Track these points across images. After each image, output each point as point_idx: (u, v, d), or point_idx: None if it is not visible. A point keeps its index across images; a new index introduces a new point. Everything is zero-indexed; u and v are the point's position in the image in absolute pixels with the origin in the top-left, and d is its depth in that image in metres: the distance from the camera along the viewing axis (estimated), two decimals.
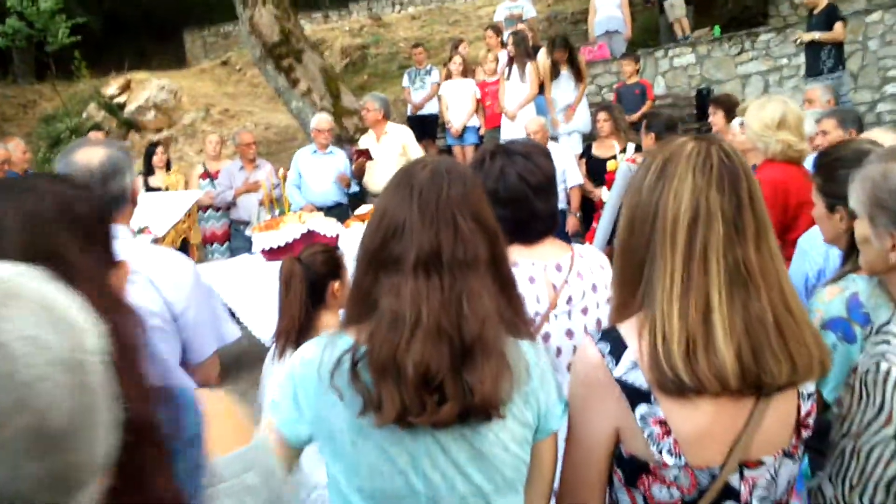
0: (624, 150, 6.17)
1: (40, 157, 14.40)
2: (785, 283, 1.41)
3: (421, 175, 1.55)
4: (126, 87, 15.83)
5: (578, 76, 7.95)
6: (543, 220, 2.18)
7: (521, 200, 2.13)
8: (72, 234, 1.17)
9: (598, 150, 6.95)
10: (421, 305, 1.39)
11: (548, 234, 2.21)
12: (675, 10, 10.84)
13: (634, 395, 1.42)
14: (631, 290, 1.48)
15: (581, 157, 7.12)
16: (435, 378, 1.36)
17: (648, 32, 13.16)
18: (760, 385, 1.37)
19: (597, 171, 6.81)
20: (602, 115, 6.88)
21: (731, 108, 6.07)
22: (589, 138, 8.43)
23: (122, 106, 15.52)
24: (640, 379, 1.42)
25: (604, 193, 5.53)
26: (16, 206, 1.17)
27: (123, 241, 1.89)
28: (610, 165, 5.75)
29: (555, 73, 7.85)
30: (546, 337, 2.11)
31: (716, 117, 6.08)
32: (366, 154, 6.95)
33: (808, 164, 3.19)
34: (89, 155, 2.31)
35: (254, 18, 8.34)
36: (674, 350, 1.34)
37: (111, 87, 15.70)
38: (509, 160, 2.15)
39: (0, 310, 0.67)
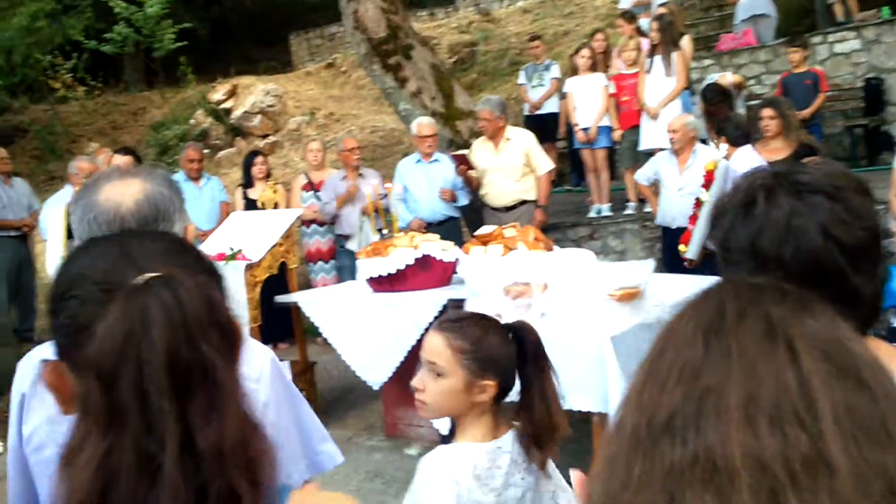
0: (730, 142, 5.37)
1: (150, 163, 14.28)
2: None
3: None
4: (232, 93, 15.59)
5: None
6: (862, 306, 1.21)
7: (826, 274, 1.17)
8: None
9: (761, 154, 5.81)
10: None
11: (868, 328, 1.24)
12: None
13: None
14: None
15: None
16: None
17: (794, 16, 11.75)
18: None
19: None
20: (768, 112, 5.72)
21: None
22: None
23: (228, 111, 15.28)
24: None
25: (702, 194, 4.98)
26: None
27: None
28: (708, 165, 5.05)
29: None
30: None
31: None
32: (465, 162, 6.08)
33: None
34: (120, 193, 1.51)
35: (358, 12, 7.58)
36: None
37: (217, 92, 15.49)
38: (801, 202, 1.20)
39: None
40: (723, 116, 6.91)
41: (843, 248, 1.17)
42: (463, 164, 6.12)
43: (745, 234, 1.21)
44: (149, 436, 0.76)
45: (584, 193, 8.40)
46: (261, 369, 1.59)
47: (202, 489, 0.77)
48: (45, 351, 1.53)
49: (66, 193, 6.19)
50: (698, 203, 5.07)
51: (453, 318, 1.99)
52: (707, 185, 4.97)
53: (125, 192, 1.50)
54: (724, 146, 5.20)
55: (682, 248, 5.05)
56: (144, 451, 0.76)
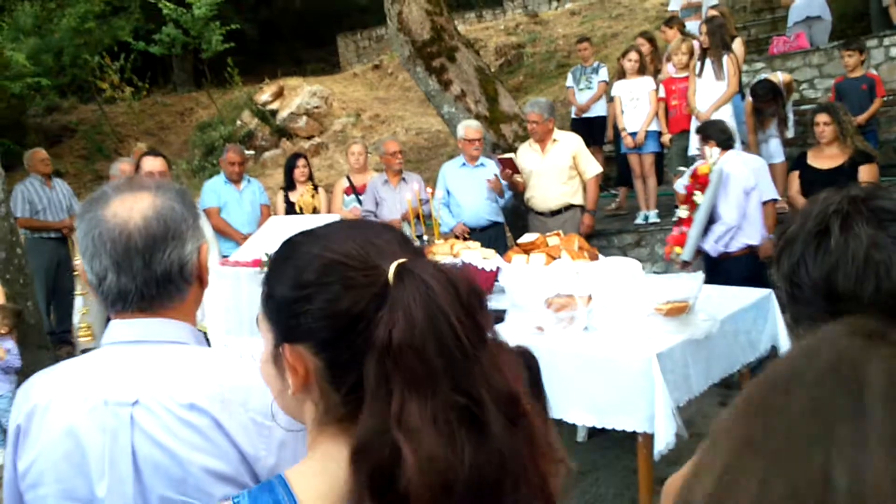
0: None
1: (196, 164, 14.42)
2: None
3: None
4: (279, 94, 15.69)
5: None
6: None
7: None
8: None
9: (815, 161, 5.60)
10: None
11: None
12: None
13: None
14: None
15: (794, 168, 5.78)
16: None
17: (849, 19, 11.39)
18: None
19: (816, 185, 5.45)
20: (822, 118, 5.53)
21: None
22: (792, 144, 7.07)
23: (274, 113, 15.37)
24: None
25: (696, 196, 5.00)
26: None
27: (181, 355, 1.42)
28: (702, 169, 5.00)
29: None
30: None
31: None
32: (510, 165, 5.97)
33: None
34: (128, 208, 1.42)
35: (402, 14, 7.50)
36: None
37: (264, 93, 15.60)
38: (883, 232, 1.06)
39: None
40: (771, 111, 6.70)
41: None
42: (509, 167, 6.01)
43: (816, 268, 1.08)
44: (458, 393, 0.87)
45: (611, 198, 8.24)
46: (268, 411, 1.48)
47: (514, 428, 0.90)
48: (40, 380, 1.45)
49: None
50: (693, 205, 5.03)
51: None
52: (702, 188, 4.96)
53: (133, 208, 1.41)
54: (716, 150, 5.09)
55: (677, 249, 5.02)
56: (462, 405, 0.86)
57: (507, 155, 6.25)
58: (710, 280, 4.17)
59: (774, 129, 6.79)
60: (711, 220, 5.03)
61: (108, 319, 1.49)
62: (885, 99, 7.37)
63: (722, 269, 4.94)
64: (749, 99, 6.95)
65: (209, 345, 2.09)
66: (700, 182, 5.05)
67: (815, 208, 1.14)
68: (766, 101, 6.67)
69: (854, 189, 1.14)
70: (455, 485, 0.84)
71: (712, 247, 5.04)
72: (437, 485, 0.84)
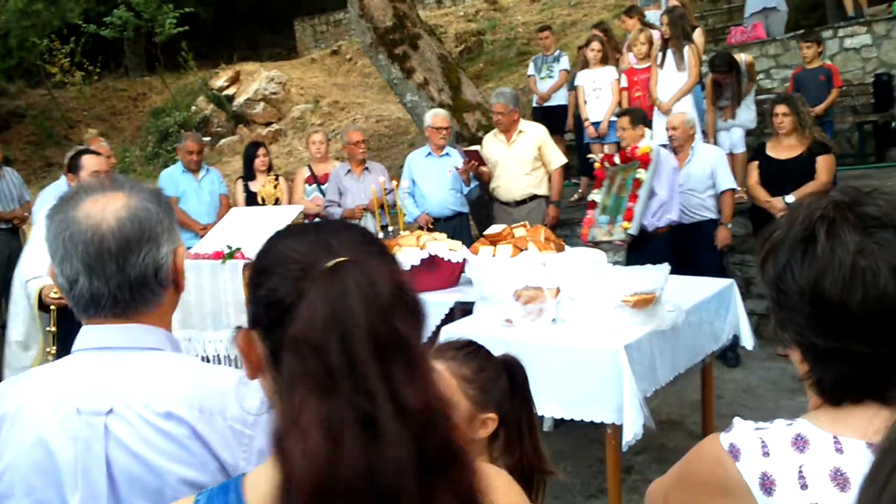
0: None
1: (149, 151, 14.14)
2: None
3: None
4: (235, 79, 15.46)
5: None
6: None
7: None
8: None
9: (774, 151, 5.69)
10: None
11: None
12: None
13: None
14: None
15: (753, 158, 5.86)
16: None
17: (804, 9, 11.58)
18: None
19: (774, 176, 5.57)
20: (781, 109, 5.61)
21: None
22: (750, 134, 7.16)
23: (230, 98, 15.14)
24: None
25: (640, 174, 5.22)
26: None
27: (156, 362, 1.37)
28: (644, 149, 5.19)
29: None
30: None
31: None
32: (476, 157, 5.97)
33: None
34: (101, 209, 1.37)
35: (364, 0, 7.42)
36: None
37: (220, 78, 15.36)
38: (870, 238, 1.07)
39: None
40: (728, 85, 6.75)
41: None
42: (475, 159, 6.00)
43: (803, 275, 1.07)
44: (359, 396, 0.85)
45: (573, 188, 8.28)
46: (259, 410, 1.42)
47: (420, 443, 0.86)
48: (9, 388, 1.39)
49: (60, 184, 6.02)
50: (637, 182, 5.18)
51: (452, 346, 1.85)
52: (644, 165, 5.15)
53: (106, 209, 1.36)
54: (648, 131, 5.50)
55: (625, 224, 5.15)
56: (361, 409, 0.85)
57: (472, 147, 6.23)
58: (636, 256, 4.48)
59: (738, 118, 6.85)
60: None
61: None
62: (840, 89, 7.51)
63: (652, 244, 5.12)
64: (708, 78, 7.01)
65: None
66: (642, 160, 5.19)
67: (800, 213, 1.13)
68: (722, 73, 6.71)
69: (839, 194, 1.14)
70: (335, 488, 0.84)
71: (649, 221, 5.15)
72: (313, 486, 0.84)
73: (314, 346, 0.86)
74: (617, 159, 5.37)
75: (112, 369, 1.34)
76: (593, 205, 5.43)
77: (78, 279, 1.35)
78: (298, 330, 0.88)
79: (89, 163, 4.28)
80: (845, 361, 1.06)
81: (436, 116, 6.21)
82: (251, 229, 4.87)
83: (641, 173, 5.16)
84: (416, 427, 0.87)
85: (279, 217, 5.01)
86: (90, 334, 1.39)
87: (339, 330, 0.86)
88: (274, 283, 0.96)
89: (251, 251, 4.65)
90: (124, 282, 1.36)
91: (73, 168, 4.32)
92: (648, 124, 5.58)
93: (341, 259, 0.92)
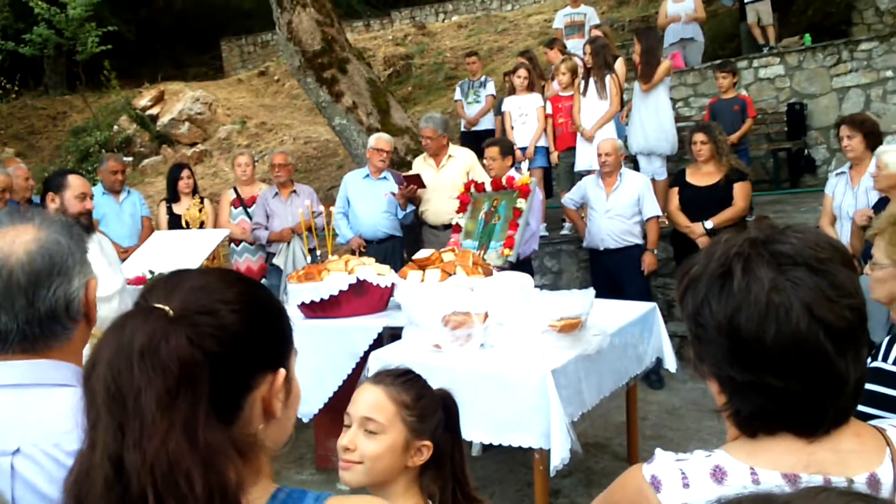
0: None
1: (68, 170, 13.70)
2: None
3: None
4: (159, 99, 15.14)
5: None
6: (846, 396, 1.13)
7: (808, 359, 1.08)
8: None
9: (693, 178, 5.87)
10: None
11: (846, 418, 1.15)
12: (763, 16, 9.67)
13: None
14: None
15: (673, 184, 6.03)
16: None
17: (720, 40, 12.04)
18: None
19: (694, 202, 5.74)
20: (700, 137, 5.80)
21: (873, 132, 4.98)
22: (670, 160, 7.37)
23: (154, 118, 14.82)
24: None
25: (520, 203, 5.41)
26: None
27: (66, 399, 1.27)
28: (524, 179, 5.43)
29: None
30: None
31: (853, 142, 4.98)
32: (417, 181, 5.98)
33: None
34: (10, 242, 1.33)
35: (293, 24, 7.37)
36: None
37: (144, 98, 15.03)
38: (783, 276, 1.10)
39: None
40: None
41: (829, 330, 1.07)
42: (416, 184, 6.00)
43: (720, 309, 1.10)
44: (116, 444, 0.88)
45: None
46: None
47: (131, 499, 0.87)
48: None
49: None
50: (518, 212, 5.30)
51: (391, 373, 1.88)
52: (524, 195, 5.30)
53: (15, 241, 1.33)
54: (525, 163, 6.02)
55: (506, 251, 5.26)
56: (114, 458, 0.88)
57: (412, 172, 6.24)
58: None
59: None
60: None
61: None
62: (755, 118, 7.82)
63: (524, 269, 5.25)
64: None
65: None
66: (521, 191, 5.35)
67: (717, 249, 1.16)
68: (653, 43, 6.82)
69: (755, 231, 1.17)
70: None
71: (521, 249, 5.26)
72: None
73: (90, 389, 0.91)
74: (488, 187, 5.50)
75: (19, 407, 1.30)
76: (458, 228, 5.53)
77: None
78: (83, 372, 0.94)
79: (76, 183, 3.72)
80: (761, 394, 1.09)
81: (379, 139, 6.21)
82: (175, 253, 4.76)
83: (522, 203, 5.29)
84: (132, 485, 0.88)
85: (204, 241, 4.92)
86: None
87: (103, 377, 0.91)
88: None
89: None
90: (33, 316, 1.32)
91: (55, 187, 3.72)
92: (514, 154, 5.88)
93: (153, 306, 0.95)
